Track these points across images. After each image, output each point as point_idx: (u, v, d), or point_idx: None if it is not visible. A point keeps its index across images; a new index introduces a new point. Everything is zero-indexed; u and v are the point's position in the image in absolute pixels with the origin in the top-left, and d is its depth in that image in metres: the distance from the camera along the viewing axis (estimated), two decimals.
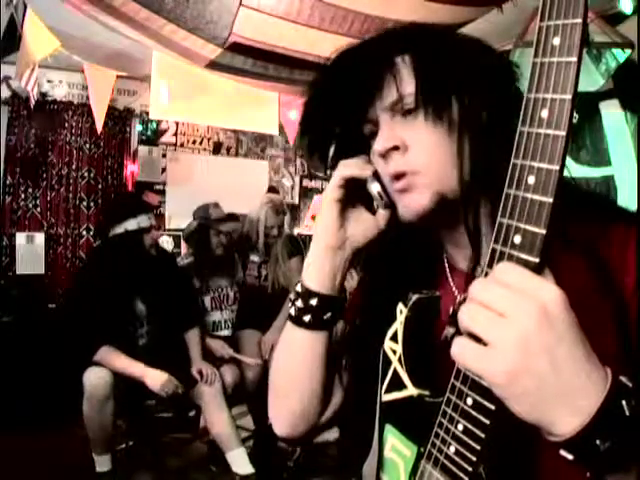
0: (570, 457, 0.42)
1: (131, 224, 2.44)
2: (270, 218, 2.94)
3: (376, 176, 0.67)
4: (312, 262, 0.71)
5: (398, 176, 0.63)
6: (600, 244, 0.55)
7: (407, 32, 0.68)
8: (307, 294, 0.70)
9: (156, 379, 2.27)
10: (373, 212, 0.71)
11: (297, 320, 0.71)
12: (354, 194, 0.69)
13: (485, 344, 0.42)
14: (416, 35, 0.66)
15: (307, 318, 0.70)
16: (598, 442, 0.40)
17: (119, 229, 2.44)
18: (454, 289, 0.68)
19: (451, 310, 0.65)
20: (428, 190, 0.62)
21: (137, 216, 2.47)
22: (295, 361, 0.73)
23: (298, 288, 0.71)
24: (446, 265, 0.71)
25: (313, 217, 4.54)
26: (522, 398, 0.41)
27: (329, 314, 0.71)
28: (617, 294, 0.53)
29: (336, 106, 0.66)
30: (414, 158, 0.62)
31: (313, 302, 0.70)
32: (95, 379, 2.22)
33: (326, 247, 0.70)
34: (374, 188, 0.67)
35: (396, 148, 0.63)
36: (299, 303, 0.70)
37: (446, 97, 0.61)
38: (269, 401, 0.78)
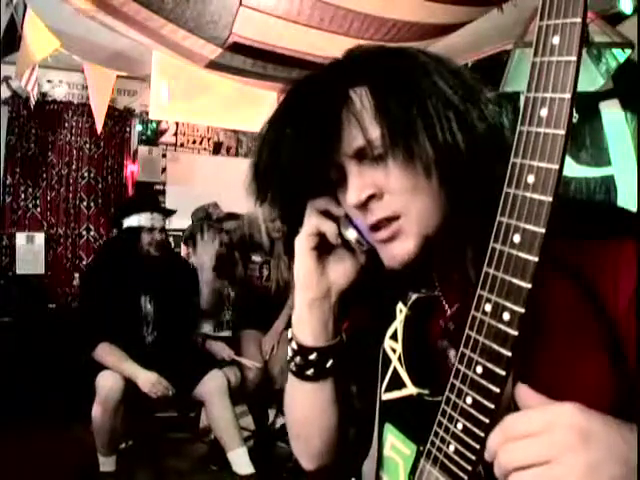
0: None
1: (132, 221, 2.46)
2: (266, 210, 2.94)
3: (348, 218, 0.63)
4: (300, 317, 0.69)
5: (379, 225, 0.59)
6: (590, 263, 0.54)
7: (360, 60, 0.61)
8: (304, 351, 0.68)
9: (146, 380, 2.26)
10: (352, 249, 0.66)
11: (300, 375, 0.70)
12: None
13: None
14: (371, 62, 0.60)
15: (310, 372, 0.69)
16: None
17: (124, 225, 2.50)
18: (441, 297, 0.67)
19: (442, 324, 0.65)
20: (412, 235, 0.58)
21: (140, 213, 2.49)
22: (307, 410, 0.72)
23: (294, 345, 0.69)
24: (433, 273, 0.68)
25: None
26: None
27: (331, 362, 0.69)
28: (607, 313, 0.52)
29: (293, 158, 0.59)
30: (391, 202, 0.58)
31: (312, 357, 0.69)
32: (110, 384, 2.21)
33: (311, 300, 0.67)
34: (350, 235, 0.63)
35: (371, 197, 0.59)
36: (298, 360, 0.69)
37: (416, 136, 0.54)
38: (291, 442, 0.78)
